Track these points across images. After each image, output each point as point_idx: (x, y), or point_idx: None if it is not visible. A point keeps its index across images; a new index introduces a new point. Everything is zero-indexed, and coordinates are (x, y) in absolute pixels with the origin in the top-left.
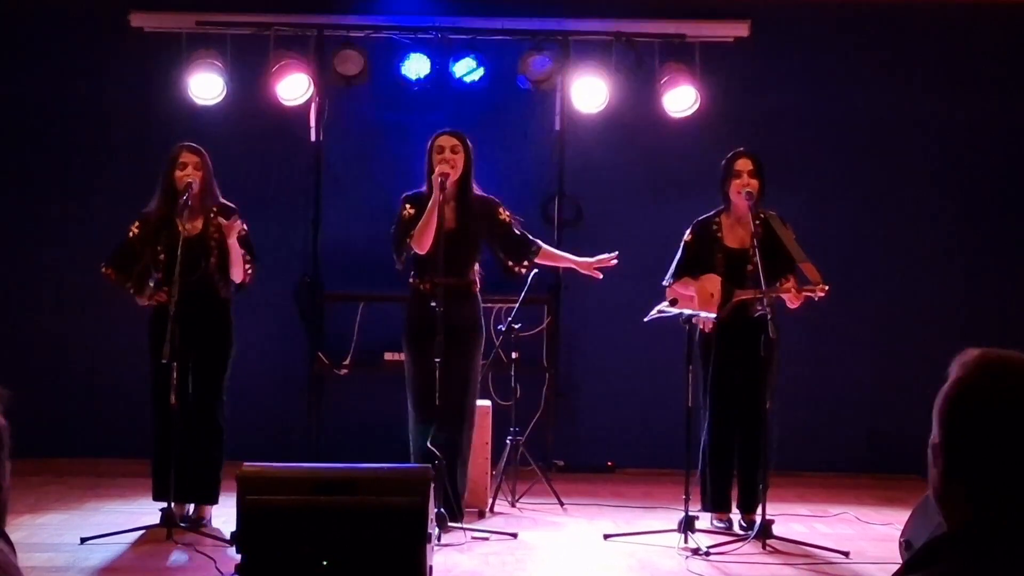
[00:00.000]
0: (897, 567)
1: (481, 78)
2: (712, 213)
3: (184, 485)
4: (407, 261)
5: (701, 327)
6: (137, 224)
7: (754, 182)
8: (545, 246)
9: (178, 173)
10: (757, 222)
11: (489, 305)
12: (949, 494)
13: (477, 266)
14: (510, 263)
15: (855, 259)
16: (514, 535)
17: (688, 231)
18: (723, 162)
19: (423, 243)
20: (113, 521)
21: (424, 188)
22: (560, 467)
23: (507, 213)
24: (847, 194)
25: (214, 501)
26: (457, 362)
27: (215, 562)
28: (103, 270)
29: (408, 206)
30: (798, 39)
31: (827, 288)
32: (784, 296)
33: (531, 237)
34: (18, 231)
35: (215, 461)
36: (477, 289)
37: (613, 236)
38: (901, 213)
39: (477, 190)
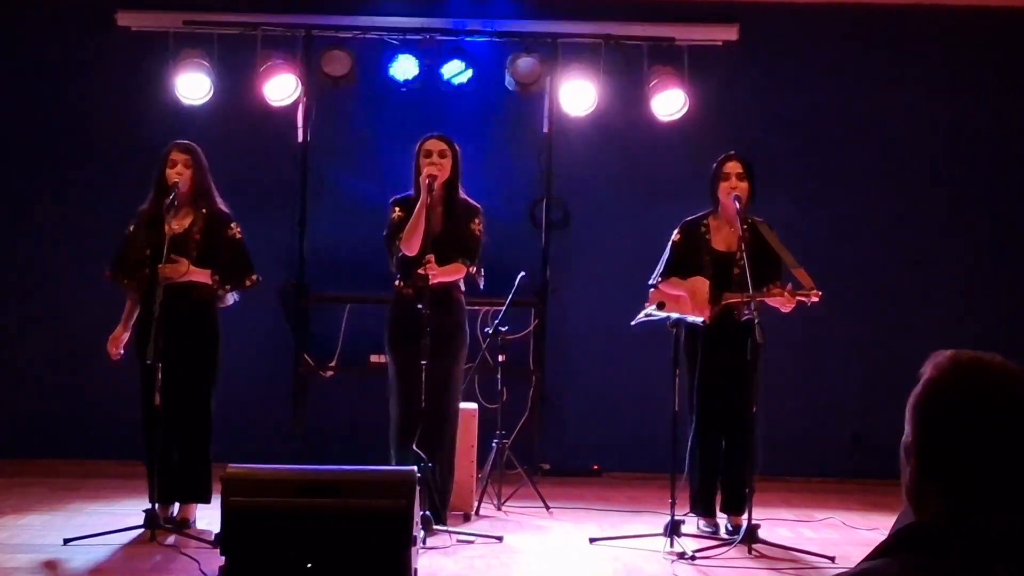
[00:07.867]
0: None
1: (469, 80)
2: (700, 215)
3: (172, 485)
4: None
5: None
6: (133, 223)
7: (743, 184)
8: (459, 264)
9: (169, 171)
10: (744, 226)
11: (476, 308)
12: (920, 492)
13: (474, 268)
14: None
15: (842, 263)
16: (499, 538)
17: (676, 231)
18: (713, 165)
19: (411, 245)
20: (97, 522)
21: (412, 192)
22: (546, 470)
23: (479, 226)
24: (835, 198)
25: (207, 500)
26: (439, 365)
27: (199, 564)
28: (105, 272)
29: (397, 209)
30: (787, 43)
31: (820, 293)
32: (776, 301)
33: (474, 253)
34: (2, 230)
35: (205, 460)
36: (461, 292)
37: (600, 239)
38: (889, 217)
39: (464, 195)
